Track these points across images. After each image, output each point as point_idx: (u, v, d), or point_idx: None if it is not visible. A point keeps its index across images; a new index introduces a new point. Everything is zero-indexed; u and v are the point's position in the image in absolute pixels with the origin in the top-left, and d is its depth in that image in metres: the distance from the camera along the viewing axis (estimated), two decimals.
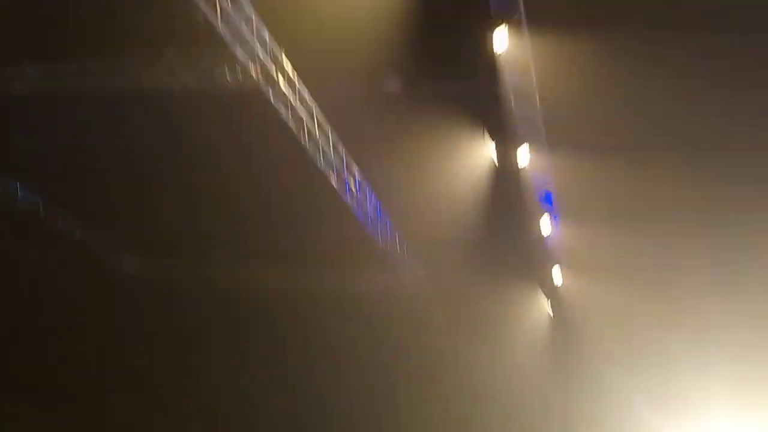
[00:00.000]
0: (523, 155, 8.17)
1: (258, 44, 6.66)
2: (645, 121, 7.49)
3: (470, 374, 10.73)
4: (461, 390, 10.73)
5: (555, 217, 9.45)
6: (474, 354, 10.69)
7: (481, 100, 7.68)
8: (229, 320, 10.62)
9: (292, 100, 7.29)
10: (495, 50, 6.81)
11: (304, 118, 7.54)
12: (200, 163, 8.67)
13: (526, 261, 10.43)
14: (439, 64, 7.03)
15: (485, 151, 8.38)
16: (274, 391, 10.78)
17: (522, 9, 6.52)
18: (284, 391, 10.76)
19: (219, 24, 6.33)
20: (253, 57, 6.78)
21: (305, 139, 7.74)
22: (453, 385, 10.72)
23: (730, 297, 8.55)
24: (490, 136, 8.08)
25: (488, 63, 7.07)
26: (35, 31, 6.39)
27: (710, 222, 8.21)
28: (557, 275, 10.55)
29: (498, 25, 6.46)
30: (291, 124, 7.51)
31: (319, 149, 7.98)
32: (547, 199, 9.27)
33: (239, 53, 6.69)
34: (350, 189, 8.64)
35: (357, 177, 8.65)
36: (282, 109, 7.35)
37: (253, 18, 6.47)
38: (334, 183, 8.44)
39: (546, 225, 9.41)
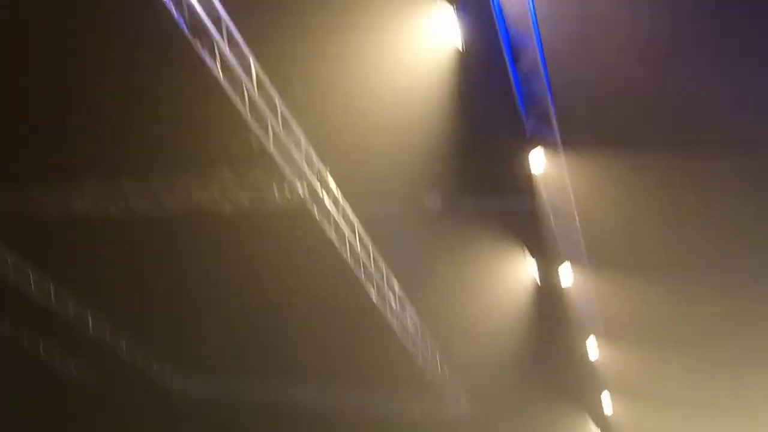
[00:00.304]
0: (566, 274, 8.13)
1: (305, 164, 7.04)
2: (682, 240, 7.45)
3: None
4: None
5: (600, 339, 9.20)
6: None
7: (520, 219, 7.81)
8: None
9: (335, 216, 7.56)
10: (532, 171, 7.01)
11: (347, 234, 7.77)
12: (248, 280, 8.91)
13: (573, 386, 10.04)
14: (479, 184, 7.26)
15: (527, 271, 8.39)
16: None
17: (557, 131, 6.77)
18: None
19: (270, 145, 6.76)
20: (301, 176, 7.14)
21: (347, 254, 7.93)
22: None
23: None
24: (531, 254, 8.12)
25: (526, 183, 7.26)
26: (95, 149, 6.89)
27: (759, 344, 7.87)
28: (606, 401, 10.07)
29: (534, 147, 6.69)
30: (334, 239, 7.74)
31: (360, 265, 8.14)
32: (591, 321, 9.08)
33: (288, 172, 7.07)
34: (390, 306, 8.68)
35: (398, 293, 8.71)
36: (326, 225, 7.61)
37: (302, 139, 6.90)
38: (374, 298, 8.51)
39: (592, 347, 9.14)
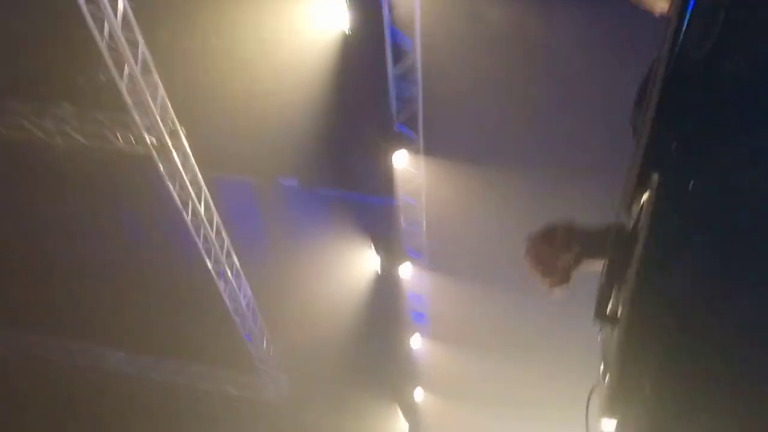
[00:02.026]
0: (405, 272, 8.42)
1: (158, 116, 6.64)
2: (514, 258, 8.03)
3: None
4: None
5: (425, 336, 9.66)
6: None
7: (371, 213, 7.96)
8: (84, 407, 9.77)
9: (182, 176, 7.22)
10: (392, 169, 7.16)
11: (192, 197, 7.45)
12: (68, 226, 8.26)
13: (391, 378, 10.47)
14: (338, 172, 7.29)
15: (369, 263, 8.57)
16: None
17: (422, 136, 6.96)
18: None
19: (123, 85, 6.29)
20: (151, 127, 6.73)
21: (188, 218, 7.61)
22: None
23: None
24: (376, 248, 8.30)
25: (384, 180, 7.40)
26: None
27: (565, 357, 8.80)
28: (419, 395, 10.63)
29: (398, 147, 6.82)
30: (176, 199, 7.39)
31: (201, 231, 7.85)
32: (420, 318, 9.49)
33: (137, 119, 6.63)
34: (226, 277, 8.47)
35: (235, 266, 8.52)
36: (170, 184, 7.24)
37: (161, 90, 6.49)
38: (210, 267, 8.26)
39: (416, 343, 9.57)
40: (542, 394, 9.52)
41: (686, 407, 1.19)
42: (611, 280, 1.40)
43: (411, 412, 11.04)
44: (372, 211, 7.96)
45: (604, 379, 1.44)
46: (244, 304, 9.01)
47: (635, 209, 1.31)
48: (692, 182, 1.22)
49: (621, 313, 1.32)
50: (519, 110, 6.35)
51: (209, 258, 8.12)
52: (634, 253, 1.26)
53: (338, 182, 7.58)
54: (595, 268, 1.67)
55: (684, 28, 1.18)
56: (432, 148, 7.05)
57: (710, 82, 1.26)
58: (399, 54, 6.30)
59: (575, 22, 5.45)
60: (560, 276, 1.59)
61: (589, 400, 1.52)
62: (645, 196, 1.27)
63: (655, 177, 1.22)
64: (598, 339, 1.52)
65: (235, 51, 5.61)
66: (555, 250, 1.56)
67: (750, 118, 1.29)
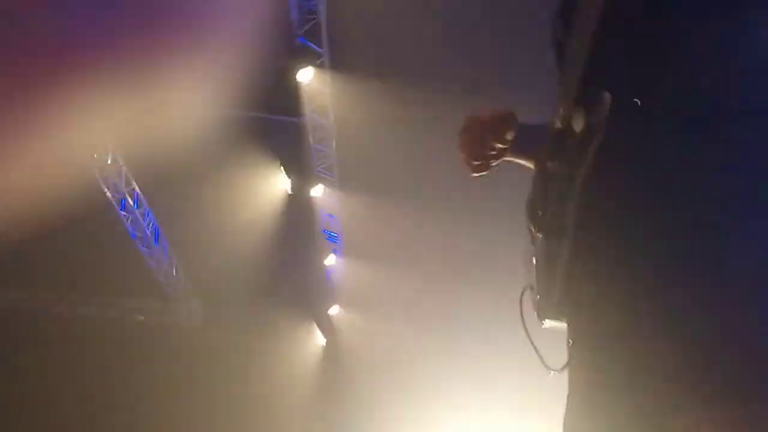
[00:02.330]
0: (317, 192, 8.30)
1: None
2: (427, 174, 8.09)
3: (239, 406, 10.51)
4: (234, 420, 10.45)
5: (339, 255, 9.70)
6: (245, 386, 10.49)
7: (279, 133, 7.69)
8: None
9: None
10: (297, 84, 6.89)
11: None
12: None
13: (307, 295, 10.55)
14: (239, 90, 6.91)
15: (279, 184, 8.38)
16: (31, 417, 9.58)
17: (327, 50, 6.69)
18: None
19: None
20: None
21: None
22: (226, 415, 10.40)
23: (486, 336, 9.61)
24: (286, 168, 8.09)
25: (289, 97, 7.13)
26: None
27: (474, 274, 9.09)
28: (334, 310, 10.81)
29: (303, 63, 6.53)
30: None
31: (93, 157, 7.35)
32: (334, 237, 9.49)
33: None
34: (127, 206, 8.06)
35: (136, 194, 8.10)
36: None
37: None
38: (109, 196, 7.81)
39: (330, 262, 9.62)
40: (457, 305, 9.90)
41: (630, 309, 1.18)
42: (551, 189, 1.33)
43: (328, 328, 11.24)
44: (279, 131, 7.69)
45: (542, 285, 1.42)
46: (148, 232, 8.66)
47: (576, 124, 1.26)
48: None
49: (566, 223, 1.29)
50: (430, 23, 6.18)
51: (107, 188, 7.66)
52: (582, 162, 1.22)
53: (242, 101, 7.23)
54: (521, 164, 1.62)
55: None
56: (338, 63, 6.81)
57: None
58: None
59: None
60: (482, 163, 1.54)
61: (521, 302, 1.50)
62: (589, 114, 1.22)
63: (605, 95, 1.18)
64: (529, 246, 1.48)
65: None
66: (486, 134, 1.50)
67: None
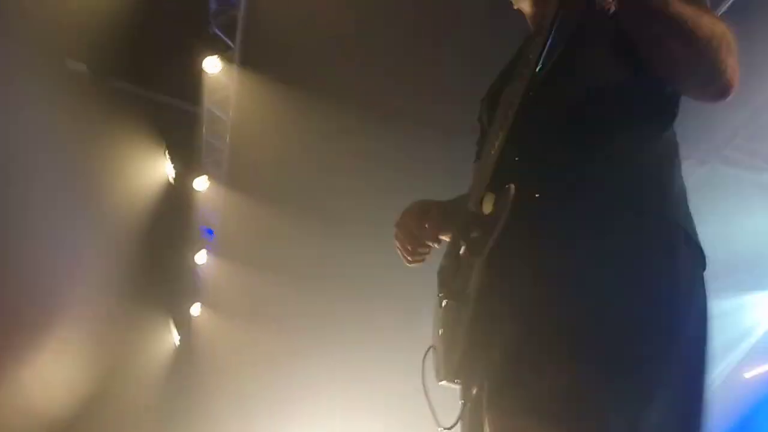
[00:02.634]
0: (200, 185, 8.06)
1: None
2: (317, 183, 8.17)
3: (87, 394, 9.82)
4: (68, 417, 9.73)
5: (212, 252, 9.45)
6: (95, 376, 9.83)
7: (172, 119, 7.42)
8: None
9: None
10: (201, 73, 6.71)
11: None
12: None
13: (169, 289, 10.14)
14: (143, 68, 6.62)
15: (162, 171, 8.04)
16: None
17: (239, 45, 6.60)
18: None
19: None
20: None
21: None
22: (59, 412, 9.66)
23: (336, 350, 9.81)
24: (172, 156, 7.79)
25: (190, 83, 6.92)
26: None
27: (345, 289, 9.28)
28: (196, 308, 10.47)
29: (211, 52, 6.38)
30: None
31: None
32: (209, 233, 9.24)
33: None
34: None
35: None
36: None
37: None
38: None
39: (201, 259, 9.34)
40: (323, 318, 9.96)
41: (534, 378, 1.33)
42: (459, 257, 1.57)
43: (185, 326, 10.85)
44: (172, 115, 7.41)
45: (443, 349, 1.57)
46: None
47: (486, 207, 1.48)
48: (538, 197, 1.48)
49: (470, 290, 1.47)
50: (346, 40, 6.28)
51: None
52: (487, 241, 1.44)
53: (137, 78, 6.90)
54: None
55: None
56: (249, 60, 6.72)
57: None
58: None
59: None
60: (415, 259, 1.74)
61: (424, 361, 1.67)
62: (497, 200, 1.47)
63: (511, 187, 1.43)
64: (437, 310, 1.66)
65: None
66: (420, 232, 1.69)
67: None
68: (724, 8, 5.23)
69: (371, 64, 6.53)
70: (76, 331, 9.72)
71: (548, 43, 1.46)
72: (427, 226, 1.71)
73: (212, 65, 6.53)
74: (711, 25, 1.44)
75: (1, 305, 7.06)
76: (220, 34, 6.47)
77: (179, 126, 7.54)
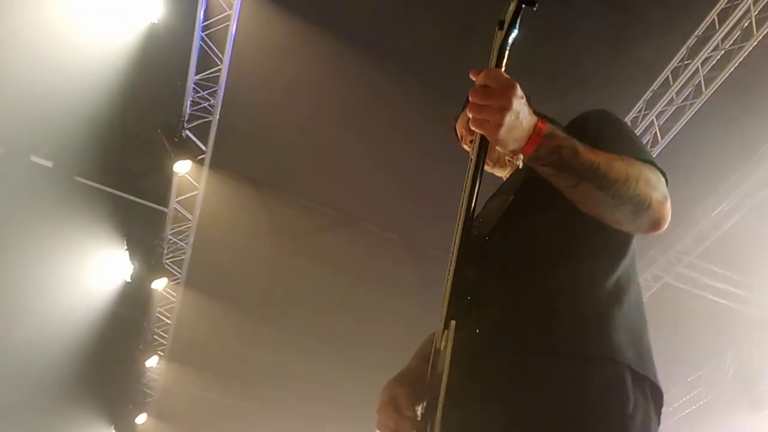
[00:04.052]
0: (157, 285, 8.01)
1: None
2: (272, 294, 8.23)
3: None
4: None
5: (164, 357, 9.24)
6: None
7: (135, 215, 7.52)
8: None
9: None
10: (171, 174, 6.89)
11: None
12: None
13: (116, 396, 9.78)
14: (107, 164, 6.81)
15: (120, 269, 8.03)
16: None
17: (211, 149, 6.85)
18: None
19: None
20: None
21: None
22: None
23: None
24: (131, 253, 7.81)
25: (159, 183, 7.11)
26: None
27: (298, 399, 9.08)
28: (142, 418, 10.05)
29: (183, 155, 6.59)
30: None
31: None
32: (162, 337, 9.09)
33: None
34: None
35: None
36: None
37: None
38: None
39: (152, 363, 9.10)
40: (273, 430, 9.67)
41: None
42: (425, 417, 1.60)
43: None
44: (137, 213, 7.53)
45: None
46: None
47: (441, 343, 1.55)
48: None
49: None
50: (316, 151, 6.60)
51: None
52: (440, 384, 1.50)
53: (104, 175, 7.07)
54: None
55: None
56: (219, 164, 6.96)
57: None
58: (206, 61, 6.20)
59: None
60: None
61: None
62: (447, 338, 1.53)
63: (452, 323, 1.51)
64: None
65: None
66: (403, 423, 1.72)
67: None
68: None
69: (344, 170, 6.81)
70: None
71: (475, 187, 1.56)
72: (403, 414, 1.69)
73: (182, 167, 6.73)
74: (625, 166, 1.55)
75: None
76: (192, 137, 6.73)
77: (143, 225, 7.64)
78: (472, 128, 1.47)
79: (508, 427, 1.51)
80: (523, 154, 1.51)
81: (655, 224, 1.59)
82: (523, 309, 1.60)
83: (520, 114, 1.44)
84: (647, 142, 5.77)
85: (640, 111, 5.88)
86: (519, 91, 1.44)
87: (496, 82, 1.43)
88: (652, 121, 5.85)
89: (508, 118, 1.42)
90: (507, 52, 1.47)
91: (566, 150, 1.49)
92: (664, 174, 1.65)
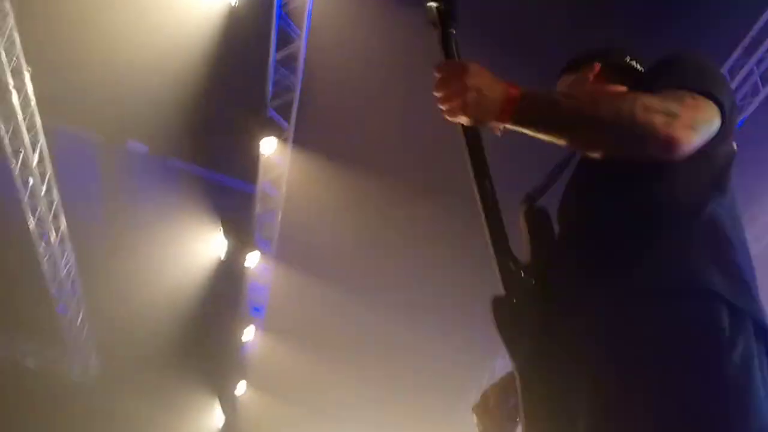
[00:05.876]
0: (251, 261, 8.38)
1: (2, 48, 6.13)
2: (363, 266, 8.39)
3: None
4: None
5: (260, 329, 9.68)
6: None
7: (226, 197, 7.85)
8: None
9: (19, 119, 6.69)
10: (257, 153, 7.13)
11: (25, 143, 6.91)
12: None
13: (216, 368, 10.36)
14: (200, 148, 7.12)
15: (214, 248, 8.43)
16: None
17: (294, 126, 7.02)
18: None
19: None
20: None
21: (16, 165, 7.04)
22: None
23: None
24: (225, 233, 8.19)
25: (248, 165, 7.36)
26: None
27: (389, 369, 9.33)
28: (242, 387, 10.60)
29: (268, 133, 6.80)
30: (5, 141, 6.83)
31: (27, 182, 7.29)
32: (258, 311, 9.50)
33: None
34: (48, 239, 7.91)
35: (62, 229, 7.98)
36: (1, 125, 6.68)
37: (9, 21, 5.98)
38: (31, 225, 7.68)
39: (248, 336, 9.56)
40: (368, 402, 9.95)
41: None
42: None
43: (230, 406, 10.98)
44: (227, 193, 7.86)
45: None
46: (64, 271, 8.46)
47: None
48: None
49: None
50: (395, 123, 6.62)
51: (33, 216, 7.55)
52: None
53: (195, 157, 7.41)
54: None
55: None
56: (302, 140, 7.14)
57: None
58: (285, 39, 6.33)
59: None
60: None
61: None
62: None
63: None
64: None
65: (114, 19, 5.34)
66: (496, 416, 1.80)
67: None
68: None
69: (423, 150, 6.82)
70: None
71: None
72: (491, 411, 1.78)
73: (268, 145, 6.95)
74: (612, 99, 1.61)
75: None
76: (276, 116, 6.93)
77: (233, 203, 7.96)
78: (448, 119, 1.57)
79: (600, 371, 1.53)
80: (502, 122, 1.56)
81: (667, 146, 1.53)
82: (612, 253, 1.62)
83: (482, 88, 1.51)
84: None
85: None
86: (473, 69, 1.52)
87: (446, 71, 1.55)
88: None
89: (469, 96, 1.50)
90: (454, 43, 1.61)
91: (544, 104, 1.56)
92: (718, 102, 1.58)
